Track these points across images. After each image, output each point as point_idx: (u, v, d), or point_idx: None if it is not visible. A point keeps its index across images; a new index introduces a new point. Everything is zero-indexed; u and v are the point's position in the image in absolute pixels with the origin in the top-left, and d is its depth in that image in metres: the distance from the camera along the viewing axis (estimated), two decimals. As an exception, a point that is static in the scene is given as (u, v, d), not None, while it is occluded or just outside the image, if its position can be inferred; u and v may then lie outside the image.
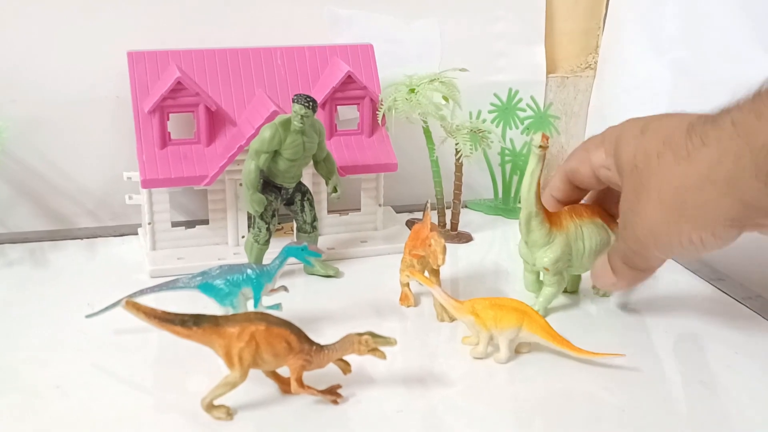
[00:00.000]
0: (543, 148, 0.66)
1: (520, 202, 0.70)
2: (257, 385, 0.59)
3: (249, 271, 0.66)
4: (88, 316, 0.67)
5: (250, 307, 0.66)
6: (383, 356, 0.57)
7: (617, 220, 0.70)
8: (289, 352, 0.56)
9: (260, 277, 0.66)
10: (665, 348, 0.69)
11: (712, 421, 0.59)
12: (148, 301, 0.68)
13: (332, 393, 0.58)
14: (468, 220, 0.95)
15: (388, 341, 0.57)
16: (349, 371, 0.59)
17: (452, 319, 0.71)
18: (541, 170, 0.67)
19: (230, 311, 0.65)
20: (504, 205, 0.99)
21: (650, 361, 0.67)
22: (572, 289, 0.77)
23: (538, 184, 0.67)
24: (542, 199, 0.68)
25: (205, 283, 0.66)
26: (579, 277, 0.77)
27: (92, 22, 0.86)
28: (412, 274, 0.69)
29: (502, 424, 0.58)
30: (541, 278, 0.73)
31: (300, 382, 0.57)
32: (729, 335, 0.70)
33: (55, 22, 0.86)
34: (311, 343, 0.56)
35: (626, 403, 0.60)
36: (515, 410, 0.59)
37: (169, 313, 0.55)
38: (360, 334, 0.56)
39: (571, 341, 0.64)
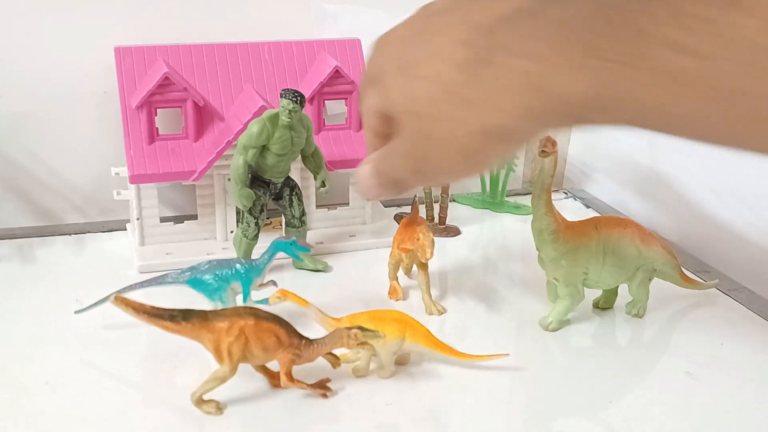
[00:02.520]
0: (545, 153, 0.63)
1: (504, 195, 0.69)
2: (247, 379, 0.59)
3: (238, 266, 0.66)
4: (77, 312, 0.67)
5: (239, 301, 0.67)
6: (372, 350, 0.58)
7: (650, 235, 0.69)
8: (279, 346, 0.56)
9: (249, 272, 0.66)
10: (651, 339, 0.70)
11: (698, 412, 0.59)
12: (137, 296, 0.68)
13: (322, 387, 0.59)
14: (456, 213, 0.95)
15: (377, 335, 0.57)
16: (339, 365, 0.59)
17: (441, 312, 0.72)
18: (552, 178, 0.64)
19: (219, 306, 0.65)
20: (492, 199, 0.99)
21: (637, 353, 0.68)
22: (606, 306, 0.73)
23: (548, 192, 0.65)
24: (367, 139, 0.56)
25: (193, 278, 0.66)
26: (615, 293, 0.73)
27: (79, 18, 0.86)
28: (283, 296, 0.62)
29: (491, 415, 0.58)
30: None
31: (290, 376, 0.57)
32: (715, 326, 0.71)
33: (42, 17, 0.85)
34: (300, 337, 0.57)
35: (613, 393, 0.61)
36: (507, 402, 0.60)
37: (158, 309, 0.55)
38: (349, 328, 0.57)
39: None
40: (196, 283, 0.66)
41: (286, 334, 0.56)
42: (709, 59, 0.34)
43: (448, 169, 0.48)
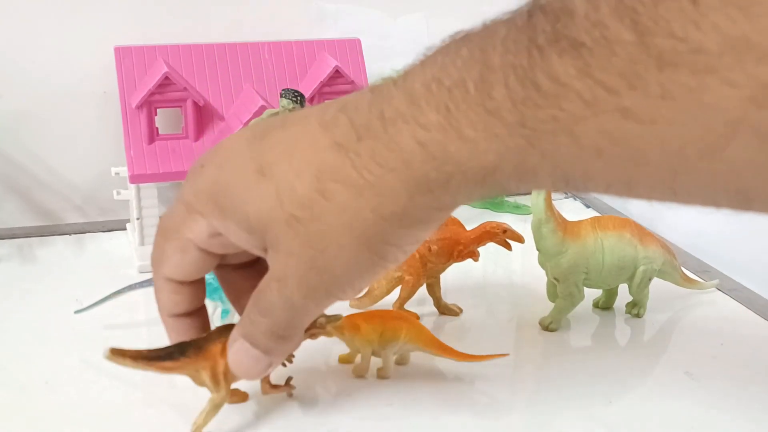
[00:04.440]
0: None
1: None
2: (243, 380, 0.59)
3: None
4: (77, 312, 0.67)
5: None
6: (330, 334, 0.58)
7: (650, 234, 0.69)
8: None
9: None
10: (651, 339, 0.70)
11: (698, 412, 0.59)
12: (137, 296, 0.68)
13: (289, 386, 0.59)
14: (456, 213, 0.94)
15: (337, 318, 0.57)
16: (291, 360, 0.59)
17: (442, 312, 0.72)
18: None
19: (219, 306, 0.65)
20: (492, 199, 0.99)
21: (637, 353, 0.68)
22: (606, 306, 0.73)
23: (548, 192, 0.65)
24: (167, 323, 0.52)
25: None
26: (615, 293, 0.73)
27: (79, 17, 0.86)
28: None
29: (491, 415, 0.58)
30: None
31: (270, 384, 0.57)
32: (715, 326, 0.71)
33: (42, 16, 0.85)
34: None
35: (613, 393, 0.61)
36: (507, 402, 0.60)
37: (154, 350, 0.52)
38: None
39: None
40: None
41: None
42: (656, 125, 0.29)
43: (350, 273, 0.39)
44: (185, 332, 0.49)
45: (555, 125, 0.31)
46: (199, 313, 0.51)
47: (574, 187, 0.34)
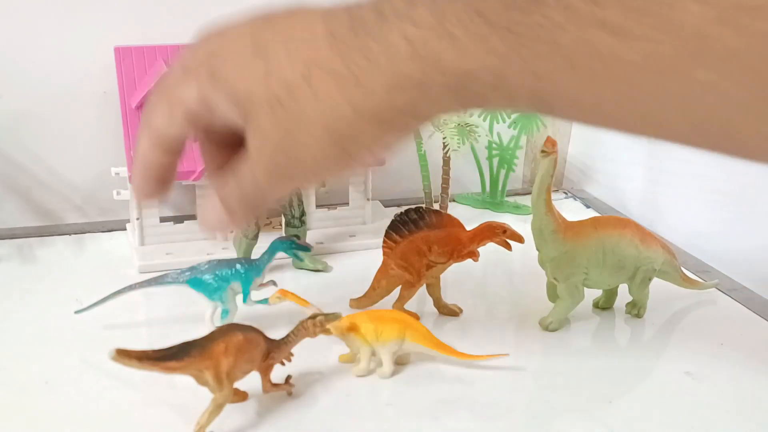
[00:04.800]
0: (545, 153, 0.63)
1: (505, 196, 0.68)
2: (240, 382, 0.59)
3: (238, 265, 0.66)
4: (77, 312, 0.67)
5: (239, 301, 0.67)
6: (329, 332, 0.58)
7: (650, 235, 0.69)
8: (260, 355, 0.56)
9: (249, 272, 0.66)
10: (651, 339, 0.70)
11: (698, 412, 0.59)
12: (137, 296, 0.68)
13: (288, 384, 0.59)
14: (456, 214, 0.94)
15: (337, 316, 0.58)
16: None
17: (442, 311, 0.72)
18: (552, 177, 0.64)
19: (219, 306, 0.65)
20: (491, 199, 0.99)
21: (637, 353, 0.68)
22: (606, 306, 0.73)
23: (548, 192, 0.65)
24: (140, 182, 0.51)
25: (194, 278, 0.66)
26: (615, 293, 0.73)
27: (79, 17, 0.86)
28: (283, 296, 0.64)
29: (491, 415, 0.58)
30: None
31: (271, 382, 0.57)
32: (715, 326, 0.71)
33: (42, 17, 0.85)
34: (271, 341, 0.57)
35: (613, 393, 0.61)
36: (507, 402, 0.60)
37: (158, 351, 0.53)
38: (313, 317, 0.57)
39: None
40: (196, 283, 0.66)
41: (264, 342, 0.56)
42: (631, 39, 0.30)
43: (315, 163, 0.40)
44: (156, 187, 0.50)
45: (539, 32, 0.32)
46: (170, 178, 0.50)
47: (546, 106, 0.35)
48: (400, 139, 0.40)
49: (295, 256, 0.67)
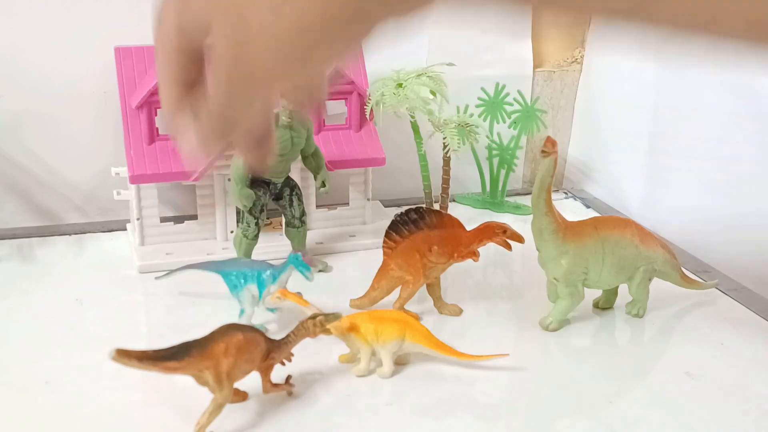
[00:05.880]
0: (546, 153, 0.63)
1: (505, 195, 0.68)
2: (240, 382, 0.59)
3: (268, 271, 0.66)
4: (157, 278, 0.72)
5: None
6: (329, 332, 0.59)
7: (650, 235, 0.69)
8: (260, 355, 0.56)
9: (266, 279, 0.66)
10: (651, 339, 0.70)
11: (698, 412, 0.59)
12: (137, 296, 0.68)
13: (288, 384, 0.59)
14: (456, 213, 0.94)
15: (337, 316, 0.58)
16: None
17: (442, 311, 0.72)
18: (552, 177, 0.64)
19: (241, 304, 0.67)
20: (491, 199, 0.99)
21: (637, 353, 0.68)
22: (606, 306, 0.73)
23: (548, 192, 0.65)
24: (166, 91, 0.48)
25: (225, 271, 0.68)
26: (615, 293, 0.73)
27: (79, 18, 0.86)
28: (283, 296, 0.64)
29: (492, 415, 0.58)
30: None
31: (271, 383, 0.57)
32: (715, 326, 0.71)
33: (42, 17, 0.85)
34: (271, 341, 0.57)
35: (613, 393, 0.61)
36: (507, 402, 0.60)
37: (159, 351, 0.53)
38: (313, 317, 0.57)
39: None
40: (225, 275, 0.68)
41: (264, 342, 0.56)
42: None
43: (271, 69, 0.39)
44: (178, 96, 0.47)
45: None
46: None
47: None
48: (350, 46, 0.40)
49: (301, 272, 0.67)
